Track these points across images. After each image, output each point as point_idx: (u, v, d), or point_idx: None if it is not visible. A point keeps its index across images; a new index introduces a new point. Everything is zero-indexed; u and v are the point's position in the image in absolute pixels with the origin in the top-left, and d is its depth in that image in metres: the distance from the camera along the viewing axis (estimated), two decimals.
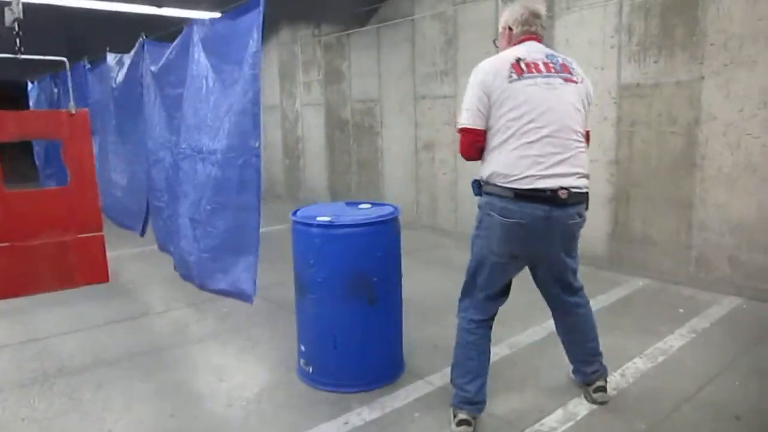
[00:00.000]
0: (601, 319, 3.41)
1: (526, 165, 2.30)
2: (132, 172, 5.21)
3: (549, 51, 2.48)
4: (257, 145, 3.05)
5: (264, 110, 9.74)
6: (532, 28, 2.50)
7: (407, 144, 6.87)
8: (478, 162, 2.49)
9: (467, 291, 2.61)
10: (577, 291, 2.70)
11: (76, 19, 6.82)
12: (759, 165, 4.00)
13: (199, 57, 3.63)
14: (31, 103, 9.11)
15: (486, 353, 2.59)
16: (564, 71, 2.43)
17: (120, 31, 4.61)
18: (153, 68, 4.29)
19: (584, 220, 2.50)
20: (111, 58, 5.39)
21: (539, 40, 2.52)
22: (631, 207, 4.80)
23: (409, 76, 6.68)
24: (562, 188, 2.32)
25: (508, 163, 2.32)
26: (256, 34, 2.99)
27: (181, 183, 3.76)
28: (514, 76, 2.33)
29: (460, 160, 6.09)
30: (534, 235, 2.39)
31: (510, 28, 2.53)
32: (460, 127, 2.45)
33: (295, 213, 3.02)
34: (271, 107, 9.52)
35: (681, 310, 3.97)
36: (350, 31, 7.22)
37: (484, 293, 2.54)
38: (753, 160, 4.03)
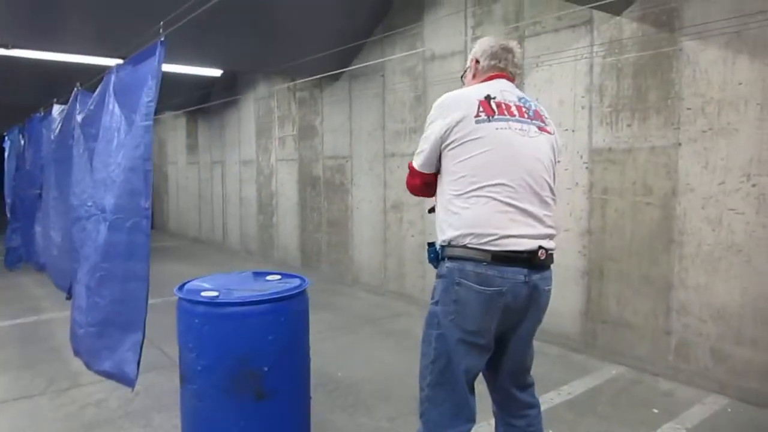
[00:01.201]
0: (558, 417, 2.90)
1: (503, 223, 1.92)
2: (65, 229, 4.82)
3: (521, 94, 2.13)
4: (147, 205, 2.66)
5: (241, 164, 9.48)
6: (501, 64, 2.16)
7: (376, 203, 6.48)
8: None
9: (438, 397, 2.00)
10: (528, 387, 2.23)
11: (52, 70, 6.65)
12: (743, 245, 3.52)
13: (113, 107, 3.28)
14: (5, 155, 9.00)
15: None
16: (537, 118, 2.08)
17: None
18: (79, 119, 3.97)
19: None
20: (56, 109, 5.12)
21: (511, 80, 2.16)
22: (605, 283, 4.31)
23: (379, 133, 6.37)
24: (541, 248, 1.96)
25: (480, 221, 1.92)
26: (151, 82, 2.65)
27: (84, 244, 3.36)
28: (483, 116, 1.96)
29: (428, 222, 5.79)
30: (515, 305, 1.97)
31: (477, 61, 2.19)
32: (413, 167, 2.11)
33: (182, 286, 2.58)
34: (247, 162, 9.24)
35: (655, 410, 3.42)
36: (323, 75, 6.87)
37: (467, 384, 2.01)
38: (736, 240, 3.55)
